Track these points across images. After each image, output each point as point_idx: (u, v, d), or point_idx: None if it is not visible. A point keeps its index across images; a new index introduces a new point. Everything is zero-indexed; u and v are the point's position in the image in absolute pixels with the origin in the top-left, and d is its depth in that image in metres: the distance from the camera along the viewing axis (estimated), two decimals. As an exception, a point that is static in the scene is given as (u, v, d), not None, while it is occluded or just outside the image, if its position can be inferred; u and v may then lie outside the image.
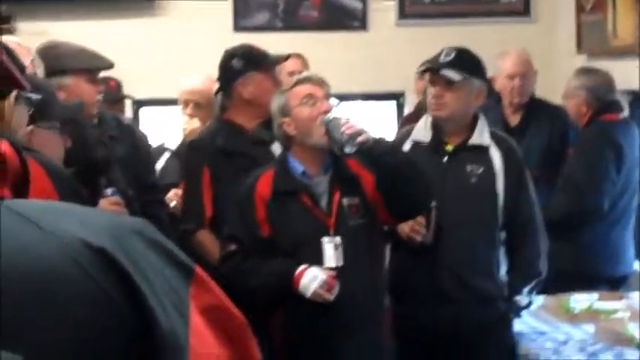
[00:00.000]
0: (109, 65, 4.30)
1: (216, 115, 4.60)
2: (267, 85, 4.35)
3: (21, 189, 1.10)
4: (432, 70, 4.13)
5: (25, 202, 1.07)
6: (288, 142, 3.93)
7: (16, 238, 1.00)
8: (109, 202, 3.63)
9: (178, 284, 1.06)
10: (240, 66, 4.37)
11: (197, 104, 5.12)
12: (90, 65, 4.16)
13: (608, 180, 5.08)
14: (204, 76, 5.12)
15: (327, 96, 3.89)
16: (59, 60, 4.04)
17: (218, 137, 4.34)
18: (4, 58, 1.17)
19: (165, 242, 1.08)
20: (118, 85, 5.90)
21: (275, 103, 3.94)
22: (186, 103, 5.19)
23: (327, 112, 3.82)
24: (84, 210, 1.10)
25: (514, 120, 5.58)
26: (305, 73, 4.12)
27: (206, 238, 4.26)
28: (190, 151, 4.46)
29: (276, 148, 4.18)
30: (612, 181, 5.09)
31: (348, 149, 3.67)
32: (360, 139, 3.65)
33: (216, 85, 4.56)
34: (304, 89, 3.88)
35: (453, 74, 4.06)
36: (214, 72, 4.56)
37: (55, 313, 0.97)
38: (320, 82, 3.92)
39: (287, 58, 4.85)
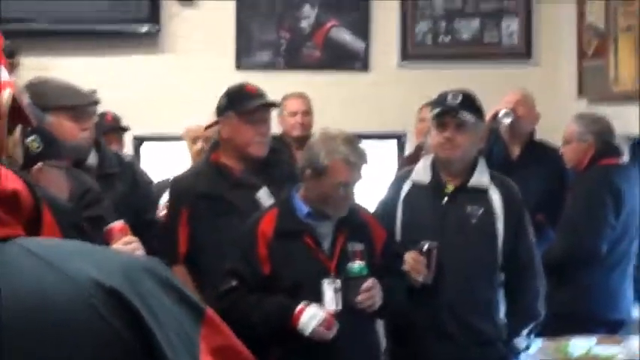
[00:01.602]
0: (93, 102, 4.21)
1: (205, 154, 4.53)
2: (242, 129, 4.20)
3: (34, 226, 1.09)
4: (449, 112, 4.10)
5: (39, 240, 1.06)
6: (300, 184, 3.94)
7: (29, 278, 1.00)
8: (123, 242, 3.59)
9: (189, 325, 1.05)
10: (223, 104, 4.30)
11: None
12: (72, 102, 4.05)
13: (607, 224, 5.07)
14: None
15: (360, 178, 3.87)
16: (42, 97, 3.96)
17: (199, 180, 4.27)
18: (16, 93, 1.16)
19: (176, 282, 1.08)
20: (115, 119, 5.86)
21: (314, 152, 3.86)
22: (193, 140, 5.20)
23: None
24: (97, 249, 1.09)
25: (514, 154, 5.64)
26: (357, 154, 3.88)
27: (180, 275, 4.16)
28: (172, 189, 4.42)
29: (263, 195, 4.16)
30: (611, 226, 5.08)
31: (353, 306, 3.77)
32: (368, 308, 3.78)
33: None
34: (344, 174, 3.80)
35: (468, 116, 4.07)
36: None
37: (67, 353, 0.97)
38: (360, 166, 3.87)
39: (276, 105, 4.63)
